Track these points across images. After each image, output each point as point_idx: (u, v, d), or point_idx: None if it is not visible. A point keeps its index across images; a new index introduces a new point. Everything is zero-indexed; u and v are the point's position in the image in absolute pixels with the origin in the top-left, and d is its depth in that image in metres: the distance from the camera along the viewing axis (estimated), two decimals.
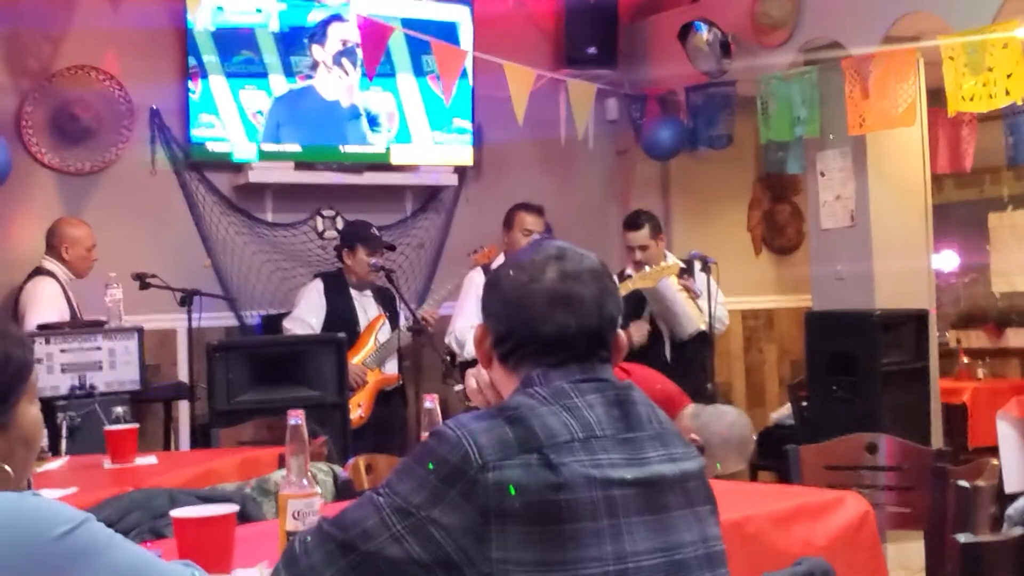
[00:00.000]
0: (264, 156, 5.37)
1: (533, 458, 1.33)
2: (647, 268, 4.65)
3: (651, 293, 4.71)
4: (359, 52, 5.29)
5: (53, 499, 1.31)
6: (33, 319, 4.38)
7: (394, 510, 1.33)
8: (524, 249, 1.61)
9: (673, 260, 4.89)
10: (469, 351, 4.73)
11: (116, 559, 1.28)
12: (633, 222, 4.92)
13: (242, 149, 5.33)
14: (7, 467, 1.41)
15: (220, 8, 5.26)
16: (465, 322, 4.83)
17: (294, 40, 5.43)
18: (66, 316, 4.50)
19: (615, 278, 5.41)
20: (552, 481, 1.32)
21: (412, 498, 1.33)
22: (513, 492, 1.31)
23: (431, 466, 1.34)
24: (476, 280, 4.92)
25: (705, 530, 1.45)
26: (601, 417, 1.42)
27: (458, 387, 4.62)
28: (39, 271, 4.63)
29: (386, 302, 5.07)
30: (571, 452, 1.36)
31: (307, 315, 4.90)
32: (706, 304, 4.80)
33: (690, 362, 4.92)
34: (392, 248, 5.22)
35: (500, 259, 4.97)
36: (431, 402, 2.03)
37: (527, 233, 4.96)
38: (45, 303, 4.46)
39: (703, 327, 4.81)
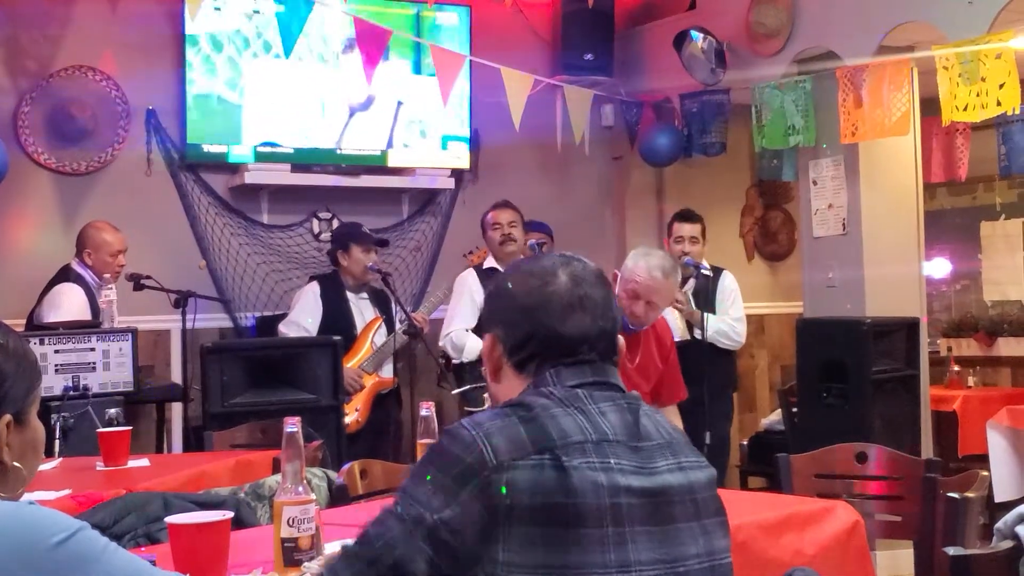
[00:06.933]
0: (260, 157, 5.37)
1: (546, 458, 1.35)
2: None
3: None
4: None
5: (49, 508, 1.32)
6: None
7: (412, 519, 1.34)
8: (525, 259, 1.63)
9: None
10: (469, 354, 4.73)
11: (111, 567, 1.29)
12: (689, 215, 5.07)
13: (238, 150, 5.34)
14: (18, 464, 1.44)
15: (217, 8, 5.27)
16: (461, 324, 4.80)
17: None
18: None
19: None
20: (562, 484, 1.33)
21: (428, 501, 1.34)
22: (524, 493, 1.32)
23: (445, 466, 1.35)
24: (468, 281, 4.90)
25: (711, 543, 1.46)
26: (613, 422, 1.44)
27: (455, 391, 4.64)
28: (67, 275, 4.59)
29: (382, 305, 5.07)
30: (583, 453, 1.37)
31: (303, 318, 4.90)
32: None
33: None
34: (384, 243, 5.22)
35: (489, 260, 4.97)
36: (427, 410, 2.05)
37: (497, 228, 4.94)
38: (63, 312, 4.42)
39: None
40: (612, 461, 1.39)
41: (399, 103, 5.70)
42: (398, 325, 4.97)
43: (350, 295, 5.00)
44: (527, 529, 1.31)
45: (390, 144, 5.69)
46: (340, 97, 5.58)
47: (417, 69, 5.69)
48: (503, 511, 1.31)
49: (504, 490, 1.31)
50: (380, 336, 4.96)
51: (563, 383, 1.46)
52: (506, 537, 1.31)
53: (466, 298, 4.86)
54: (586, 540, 1.33)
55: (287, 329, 4.91)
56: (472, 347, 4.72)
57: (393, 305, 5.02)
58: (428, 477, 1.36)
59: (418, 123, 5.75)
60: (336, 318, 4.89)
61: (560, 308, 1.50)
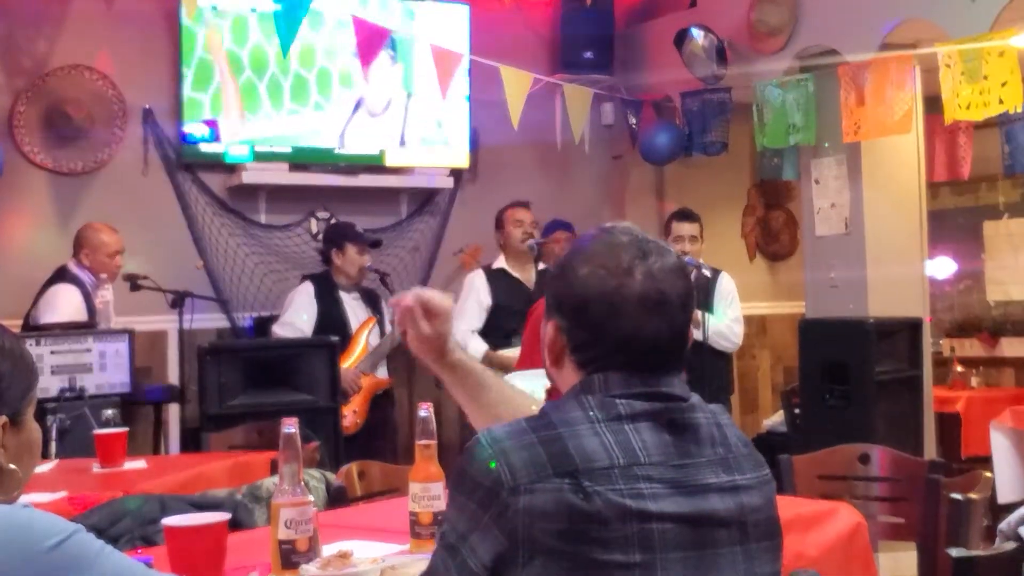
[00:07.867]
0: (258, 157, 5.35)
1: (566, 483, 1.27)
2: None
3: None
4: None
5: (44, 511, 1.31)
6: None
7: (445, 548, 1.32)
8: (596, 241, 1.44)
9: None
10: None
11: (107, 569, 1.28)
12: (687, 214, 5.04)
13: (235, 150, 5.32)
14: (14, 467, 1.43)
15: (215, 8, 5.25)
16: (465, 326, 4.80)
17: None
18: None
19: None
20: (584, 510, 1.26)
21: (459, 528, 1.31)
22: (542, 519, 1.26)
23: (468, 491, 1.31)
24: (476, 283, 4.94)
25: (754, 569, 1.38)
26: (648, 443, 1.33)
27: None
28: (63, 275, 4.55)
29: (372, 304, 5.05)
30: (608, 479, 1.28)
31: (298, 319, 4.86)
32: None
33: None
34: (378, 244, 5.20)
35: (500, 260, 4.98)
36: (426, 410, 2.02)
37: (519, 224, 4.98)
38: (59, 312, 4.40)
39: None
40: (643, 487, 1.29)
41: (397, 102, 5.67)
42: (388, 326, 4.95)
43: (343, 295, 4.97)
44: (547, 557, 1.26)
45: (390, 143, 5.66)
46: (338, 96, 5.55)
47: (416, 67, 5.66)
48: (522, 538, 1.26)
49: (522, 515, 1.26)
50: (375, 336, 4.94)
51: (609, 391, 1.36)
52: (525, 564, 1.26)
53: (472, 300, 4.87)
54: (609, 568, 1.26)
55: (282, 331, 4.86)
56: (476, 349, 4.71)
57: (385, 305, 5.00)
58: (456, 501, 1.33)
59: (416, 122, 5.72)
60: (331, 318, 4.86)
61: (632, 315, 1.37)
